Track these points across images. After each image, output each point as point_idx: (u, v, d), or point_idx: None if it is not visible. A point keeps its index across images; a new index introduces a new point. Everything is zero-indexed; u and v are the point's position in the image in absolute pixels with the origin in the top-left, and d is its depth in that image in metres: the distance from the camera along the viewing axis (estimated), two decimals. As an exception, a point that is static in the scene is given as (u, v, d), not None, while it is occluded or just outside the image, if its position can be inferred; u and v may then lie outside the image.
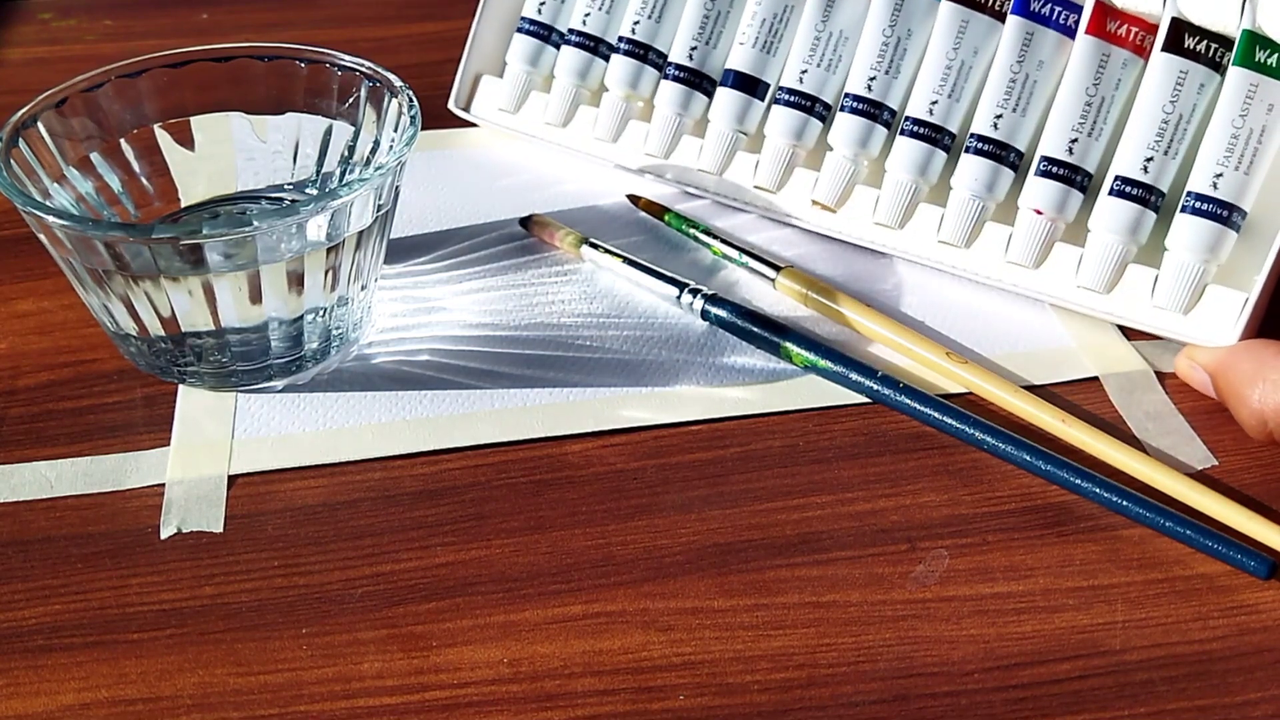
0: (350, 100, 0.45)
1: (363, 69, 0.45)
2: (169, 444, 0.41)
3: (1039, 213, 0.44)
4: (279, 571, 0.37)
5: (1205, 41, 0.42)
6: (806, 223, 0.48)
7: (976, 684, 0.33)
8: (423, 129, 0.50)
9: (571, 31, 0.53)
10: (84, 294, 0.41)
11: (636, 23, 0.51)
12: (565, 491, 0.39)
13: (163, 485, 0.40)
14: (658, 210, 0.50)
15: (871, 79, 0.47)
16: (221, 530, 0.38)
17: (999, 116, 0.45)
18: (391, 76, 0.44)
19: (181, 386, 0.43)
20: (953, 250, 0.46)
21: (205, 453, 0.41)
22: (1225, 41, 0.42)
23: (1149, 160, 0.42)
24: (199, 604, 0.36)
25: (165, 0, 0.69)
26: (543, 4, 0.54)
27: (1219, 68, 0.42)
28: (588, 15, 0.52)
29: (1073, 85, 0.44)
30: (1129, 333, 0.45)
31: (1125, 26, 0.44)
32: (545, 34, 0.54)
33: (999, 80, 0.45)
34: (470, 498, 0.39)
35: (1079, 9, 0.44)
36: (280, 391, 0.43)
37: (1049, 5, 0.45)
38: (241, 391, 0.43)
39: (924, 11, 0.46)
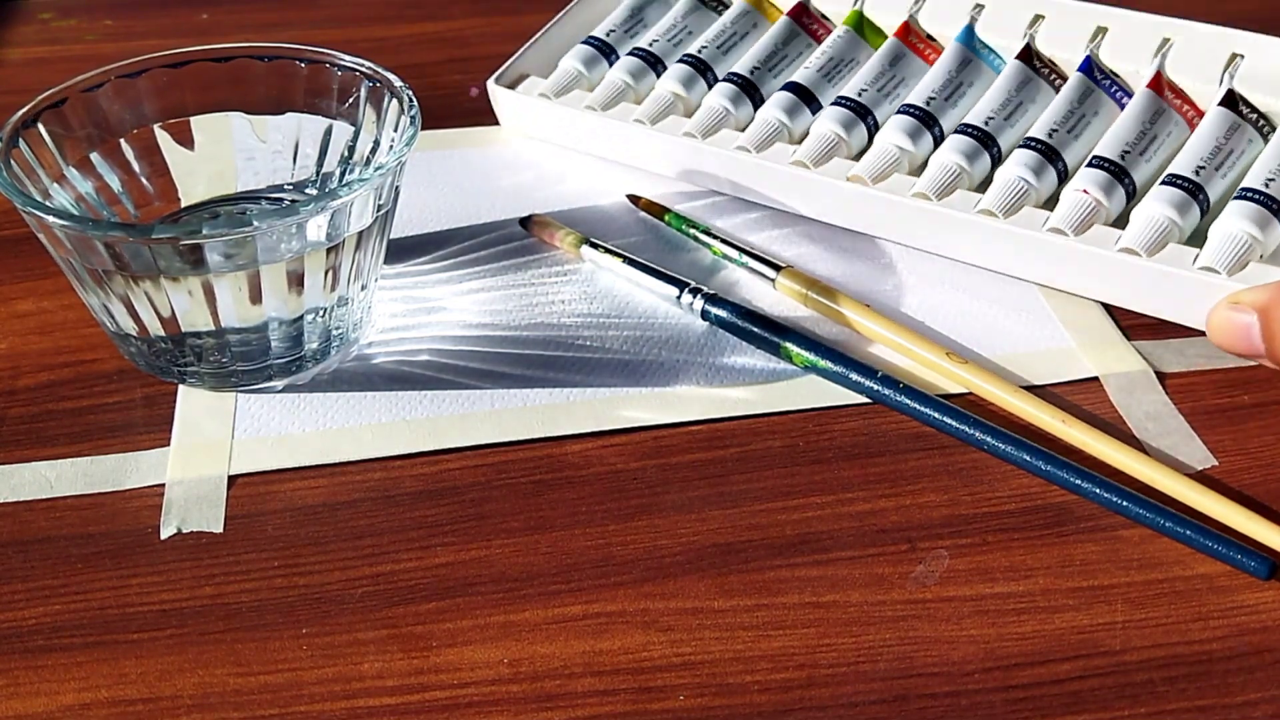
0: (350, 100, 0.45)
1: (363, 69, 0.45)
2: (169, 444, 0.41)
3: (1085, 192, 0.44)
4: (279, 571, 0.37)
5: (1256, 115, 0.46)
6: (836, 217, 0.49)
7: (976, 684, 0.33)
8: (423, 129, 0.50)
9: (636, 49, 0.55)
10: (84, 294, 0.41)
11: (703, 48, 0.54)
12: (565, 491, 0.39)
13: (163, 485, 0.40)
14: (658, 210, 0.50)
15: (931, 98, 0.49)
16: (221, 530, 0.38)
17: (1053, 131, 0.47)
18: (391, 76, 0.44)
19: (181, 386, 0.43)
20: (993, 228, 0.46)
21: (205, 453, 0.41)
22: (1273, 123, 0.46)
23: (1200, 169, 0.44)
24: (199, 604, 0.36)
25: (165, 0, 0.69)
26: (612, 30, 0.56)
27: (1265, 138, 0.46)
28: (655, 41, 0.55)
29: (1129, 118, 0.46)
30: (1129, 333, 0.45)
31: (1180, 101, 0.47)
32: (606, 51, 0.55)
33: (1056, 109, 0.47)
34: (470, 498, 0.39)
35: (1132, 93, 0.48)
36: (280, 391, 0.43)
37: (1107, 79, 0.48)
38: (241, 391, 0.43)
39: (983, 73, 0.51)
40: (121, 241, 0.38)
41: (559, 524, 0.38)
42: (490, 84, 0.55)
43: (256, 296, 0.40)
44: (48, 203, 0.41)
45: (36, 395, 0.43)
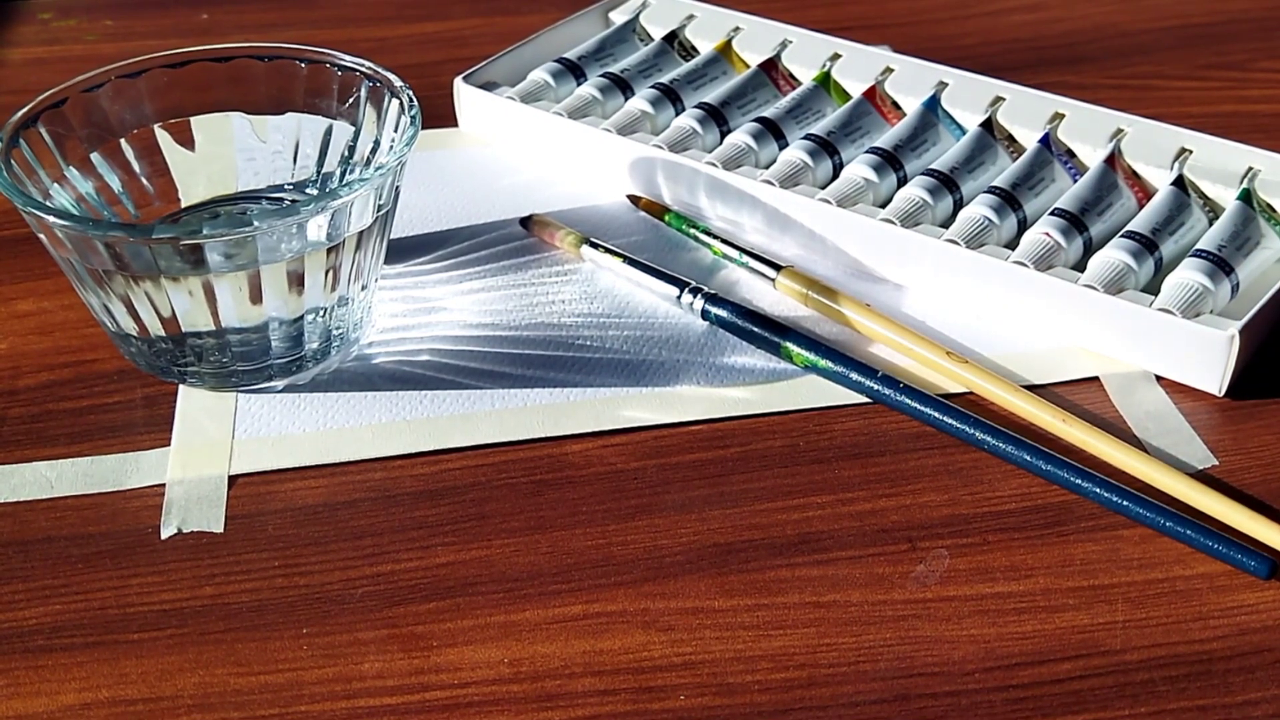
0: (350, 100, 0.45)
1: (363, 69, 0.45)
2: (169, 444, 0.41)
3: (1047, 235, 0.45)
4: (279, 571, 0.37)
5: (1204, 200, 0.48)
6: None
7: (976, 684, 0.33)
8: (423, 129, 0.50)
9: (606, 72, 0.55)
10: (84, 294, 0.41)
11: (674, 80, 0.54)
12: (565, 491, 0.39)
13: (163, 485, 0.40)
14: (658, 210, 0.50)
15: (897, 145, 0.50)
16: (221, 530, 0.38)
17: (1015, 185, 0.48)
18: (391, 76, 0.44)
19: (181, 386, 0.43)
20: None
21: (205, 453, 0.41)
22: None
23: (1156, 229, 0.45)
24: (199, 604, 0.36)
25: (165, 0, 0.69)
26: (583, 56, 0.56)
27: (1210, 222, 0.47)
28: (625, 70, 0.55)
29: (1085, 183, 0.47)
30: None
31: (1130, 181, 0.49)
32: (576, 71, 0.56)
33: (1018, 168, 0.48)
34: (470, 498, 0.39)
35: (1085, 171, 0.50)
36: (280, 391, 0.43)
37: (1063, 155, 0.50)
38: (241, 391, 0.43)
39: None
40: (122, 241, 0.38)
41: (559, 524, 0.38)
42: (458, 81, 0.55)
43: (257, 296, 0.40)
44: (48, 203, 0.41)
45: (36, 395, 0.43)
